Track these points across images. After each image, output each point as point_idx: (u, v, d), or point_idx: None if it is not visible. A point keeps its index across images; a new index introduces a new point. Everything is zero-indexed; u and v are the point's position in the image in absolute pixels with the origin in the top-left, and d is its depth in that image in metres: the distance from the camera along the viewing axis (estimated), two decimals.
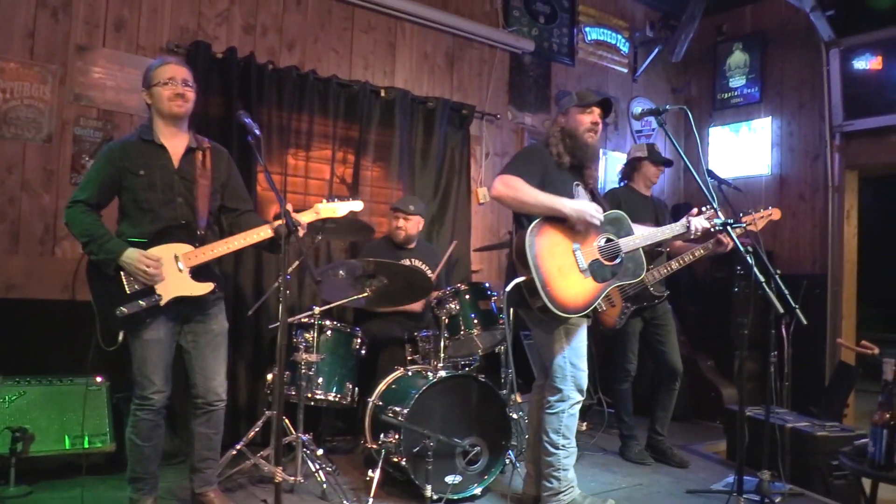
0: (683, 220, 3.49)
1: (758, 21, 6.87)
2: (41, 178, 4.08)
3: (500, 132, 6.01)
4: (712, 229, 3.46)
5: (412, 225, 4.59)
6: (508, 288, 3.13)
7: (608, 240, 3.33)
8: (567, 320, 3.25)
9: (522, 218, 3.28)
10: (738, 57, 6.95)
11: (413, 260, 4.56)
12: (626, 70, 6.82)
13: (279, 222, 3.01)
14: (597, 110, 3.42)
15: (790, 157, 6.58)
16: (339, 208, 3.27)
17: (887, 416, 2.52)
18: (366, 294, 3.88)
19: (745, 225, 3.38)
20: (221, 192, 3.21)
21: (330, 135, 4.96)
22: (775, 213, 4.20)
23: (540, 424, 3.41)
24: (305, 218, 3.15)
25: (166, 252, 2.96)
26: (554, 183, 3.27)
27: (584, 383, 3.36)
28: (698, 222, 3.50)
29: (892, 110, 5.88)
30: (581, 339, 3.34)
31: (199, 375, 3.13)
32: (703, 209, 3.56)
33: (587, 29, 6.60)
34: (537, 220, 3.18)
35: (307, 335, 3.70)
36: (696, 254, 4.22)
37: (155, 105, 3.05)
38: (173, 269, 2.97)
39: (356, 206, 3.34)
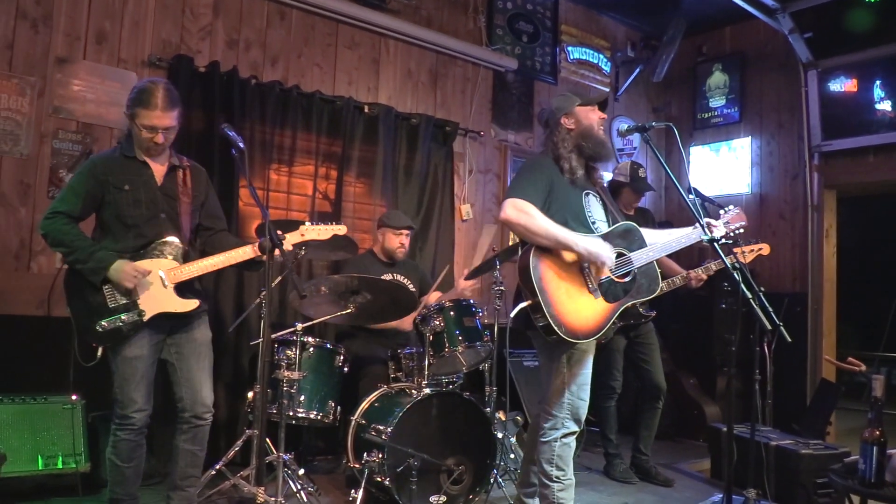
0: (699, 230, 3.15)
1: (737, 42, 6.95)
2: (18, 191, 3.99)
3: (484, 149, 6.00)
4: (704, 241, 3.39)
5: (408, 241, 4.57)
6: (513, 314, 2.95)
7: (619, 255, 3.07)
8: (575, 345, 3.01)
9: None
10: (717, 77, 7.02)
11: (395, 275, 4.51)
12: (607, 89, 6.85)
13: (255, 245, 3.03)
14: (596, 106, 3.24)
15: (770, 176, 6.64)
16: (323, 231, 3.29)
17: (877, 433, 2.50)
18: (349, 310, 3.82)
19: (730, 242, 3.37)
20: (200, 210, 3.20)
21: (313, 150, 4.92)
22: (765, 249, 4.28)
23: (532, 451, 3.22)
24: (291, 239, 3.17)
25: (152, 267, 2.94)
26: (560, 199, 3.06)
27: (583, 413, 3.10)
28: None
29: (868, 131, 5.97)
30: (586, 367, 3.10)
31: (184, 388, 3.06)
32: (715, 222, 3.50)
33: (569, 48, 6.63)
34: None
35: (289, 352, 3.64)
36: (678, 281, 4.36)
37: (134, 131, 3.00)
38: (158, 285, 2.94)
39: (340, 230, 3.37)
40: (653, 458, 4.70)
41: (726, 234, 3.64)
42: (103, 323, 2.83)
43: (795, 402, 5.85)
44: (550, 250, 2.95)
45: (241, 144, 2.97)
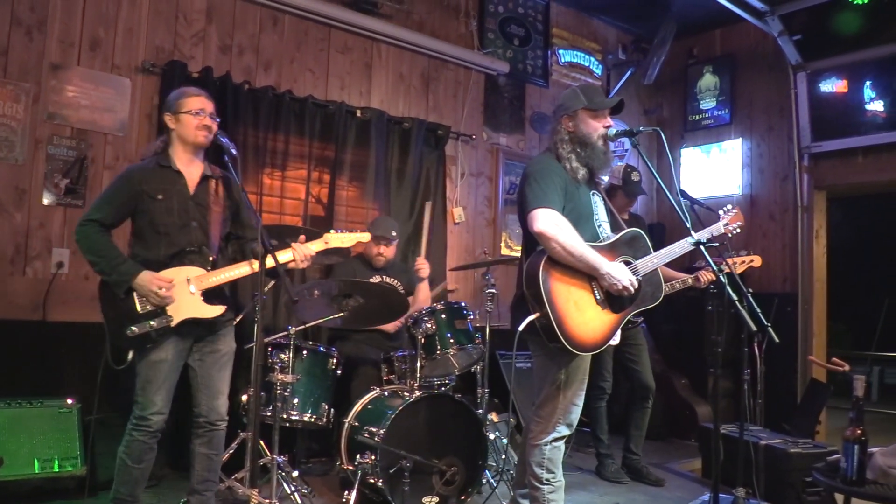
0: (692, 233, 3.10)
1: (727, 45, 7.02)
2: (13, 197, 4.02)
3: (476, 152, 6.05)
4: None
5: (392, 250, 4.60)
6: (521, 327, 2.91)
7: (626, 263, 3.06)
8: (578, 354, 2.97)
9: (532, 242, 3.01)
10: (708, 80, 7.09)
11: (385, 278, 4.56)
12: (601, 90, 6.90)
13: (290, 250, 3.16)
14: (607, 112, 3.13)
15: (760, 177, 6.70)
16: (347, 238, 3.35)
17: (858, 431, 2.56)
18: (342, 314, 3.87)
19: (716, 245, 3.41)
20: (230, 219, 3.28)
21: (306, 154, 4.96)
22: (756, 261, 4.35)
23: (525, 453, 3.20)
24: (314, 247, 3.25)
25: (179, 275, 3.02)
26: (573, 200, 3.03)
27: (576, 418, 3.10)
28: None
29: (857, 132, 6.04)
30: (584, 372, 3.09)
31: (202, 394, 3.14)
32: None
33: (561, 51, 6.69)
34: None
35: (282, 356, 3.67)
36: (676, 286, 4.38)
37: (179, 131, 3.12)
38: (185, 292, 3.02)
39: (364, 237, 3.44)
40: (644, 458, 4.76)
41: (725, 233, 3.71)
42: (133, 328, 2.91)
43: (786, 402, 5.90)
44: (558, 262, 2.91)
45: (234, 151, 3.05)
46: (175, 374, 3.06)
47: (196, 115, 3.10)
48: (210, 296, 3.07)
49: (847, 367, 2.88)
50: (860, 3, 5.86)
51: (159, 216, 3.04)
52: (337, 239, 3.33)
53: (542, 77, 6.53)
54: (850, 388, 2.69)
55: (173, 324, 2.98)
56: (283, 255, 3.15)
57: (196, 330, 3.09)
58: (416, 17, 5.69)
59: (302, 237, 3.24)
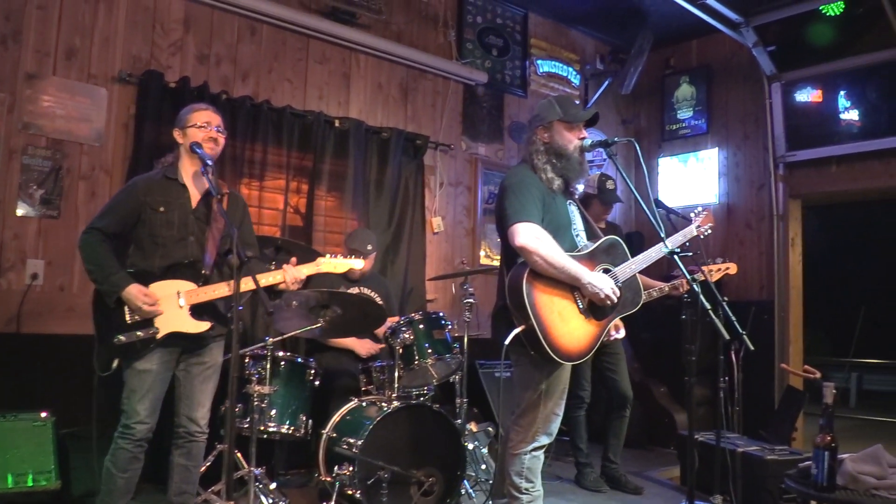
0: (665, 243, 3.13)
1: (703, 55, 7.12)
2: None
3: (454, 162, 6.09)
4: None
5: (367, 262, 4.60)
6: (507, 340, 2.90)
7: (605, 271, 3.09)
8: (561, 364, 2.99)
9: (512, 253, 3.02)
10: (685, 90, 7.18)
11: (362, 288, 4.57)
12: (577, 102, 6.96)
13: (280, 272, 3.19)
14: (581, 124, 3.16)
15: (736, 186, 6.80)
16: (339, 265, 3.39)
17: (828, 438, 2.61)
18: (320, 324, 3.87)
19: (689, 254, 3.46)
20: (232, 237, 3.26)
21: (284, 164, 4.97)
22: (732, 268, 4.41)
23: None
24: (306, 270, 3.29)
25: (169, 288, 3.05)
26: (551, 211, 3.06)
27: (556, 428, 3.11)
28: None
29: (831, 141, 6.15)
30: (565, 382, 3.10)
31: (183, 404, 3.17)
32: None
33: (539, 61, 6.76)
34: None
35: (260, 367, 3.67)
36: (654, 294, 4.43)
37: (186, 145, 3.19)
38: (174, 305, 3.04)
39: (357, 264, 3.47)
40: (624, 467, 4.79)
41: (698, 234, 3.75)
42: (121, 337, 2.94)
43: (764, 409, 5.96)
44: (540, 274, 2.92)
45: (210, 161, 3.06)
46: (161, 385, 3.08)
47: (202, 128, 3.16)
48: (199, 311, 3.09)
49: (818, 375, 2.93)
50: (833, 14, 5.98)
51: (159, 228, 3.08)
52: (329, 265, 3.37)
53: (520, 87, 6.59)
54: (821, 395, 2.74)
55: (159, 336, 3.00)
56: (273, 277, 3.19)
57: (183, 342, 3.10)
58: (394, 27, 5.73)
59: (293, 259, 3.27)
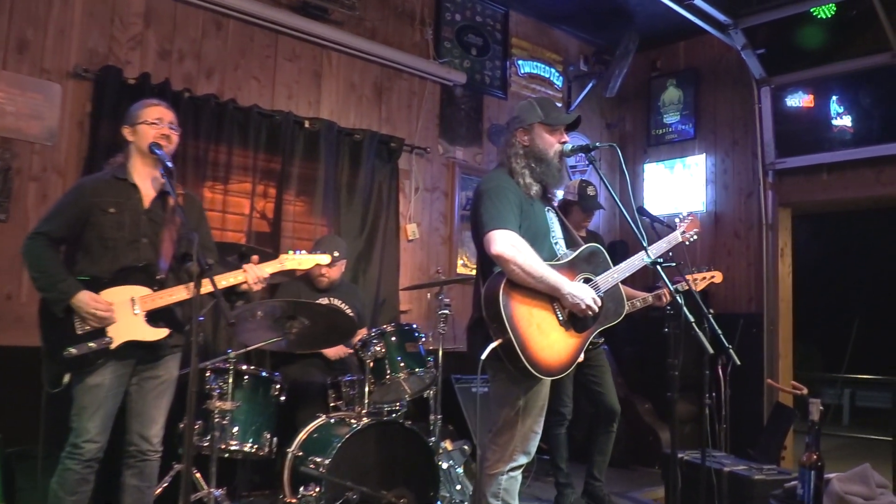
0: (648, 252, 3.18)
1: (691, 58, 7.21)
2: None
3: (431, 166, 6.10)
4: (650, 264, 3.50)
5: (336, 271, 4.59)
6: (483, 355, 2.87)
7: (586, 280, 3.10)
8: (540, 379, 2.99)
9: (488, 262, 3.01)
10: (672, 93, 7.26)
11: (332, 299, 4.56)
12: (559, 104, 7.03)
13: (241, 272, 3.14)
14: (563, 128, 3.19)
15: (724, 194, 6.88)
16: (304, 261, 3.36)
17: (815, 457, 2.64)
18: (286, 337, 3.85)
19: (674, 264, 3.50)
20: (188, 240, 3.22)
21: (250, 167, 4.95)
22: (717, 277, 4.44)
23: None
24: (269, 269, 3.25)
25: (122, 294, 3.00)
26: (529, 218, 3.07)
27: (534, 447, 3.11)
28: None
29: (822, 148, 6.24)
30: (544, 398, 3.10)
31: (135, 421, 3.12)
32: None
33: (520, 62, 6.80)
34: None
35: (221, 381, 3.65)
36: (637, 304, 4.44)
37: (137, 143, 3.14)
38: (128, 312, 3.00)
39: (322, 259, 3.46)
40: (606, 486, 4.80)
41: (683, 241, 3.79)
42: (71, 350, 2.88)
43: (752, 426, 6.02)
44: (518, 285, 2.92)
45: (170, 163, 3.03)
46: (113, 400, 3.03)
47: (154, 125, 3.12)
48: (155, 317, 3.05)
49: (805, 390, 2.97)
50: (823, 17, 6.08)
51: (109, 230, 3.04)
52: (293, 261, 3.33)
53: (500, 88, 6.62)
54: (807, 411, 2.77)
55: (113, 346, 2.95)
56: (234, 278, 3.15)
57: (138, 353, 3.06)
58: (368, 23, 5.73)
59: (255, 257, 3.24)
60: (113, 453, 3.23)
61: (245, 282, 3.17)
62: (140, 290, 3.04)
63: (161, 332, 3.06)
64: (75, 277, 2.99)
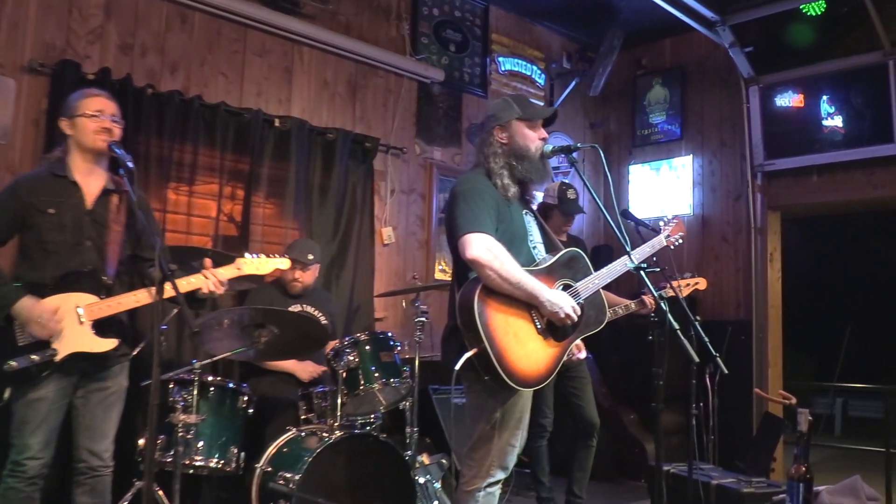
0: (631, 258, 3.17)
1: (677, 56, 7.27)
2: None
3: (407, 167, 6.10)
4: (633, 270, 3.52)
5: (310, 275, 4.58)
6: (458, 365, 2.85)
7: (565, 286, 3.10)
8: (517, 390, 2.97)
9: (464, 268, 3.00)
10: (657, 92, 7.32)
11: (304, 306, 4.54)
12: (541, 103, 7.06)
13: (200, 276, 3.07)
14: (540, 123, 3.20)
15: (712, 197, 6.93)
16: (263, 264, 3.29)
17: (803, 469, 2.67)
18: (254, 345, 3.82)
19: (658, 269, 3.52)
20: (136, 240, 3.20)
21: (217, 167, 4.92)
22: (701, 283, 4.49)
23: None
24: (225, 274, 3.18)
25: (67, 302, 2.93)
26: (506, 221, 3.05)
27: (512, 461, 3.09)
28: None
29: (812, 150, 6.31)
30: (522, 410, 3.08)
31: (83, 436, 3.06)
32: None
33: (500, 59, 6.83)
34: None
35: (186, 393, 3.61)
36: (619, 311, 4.45)
37: (76, 137, 3.07)
38: (73, 322, 2.93)
39: (283, 263, 3.38)
40: (590, 501, 4.81)
41: (667, 245, 3.81)
42: (12, 363, 2.82)
43: (740, 438, 6.05)
44: (494, 291, 2.91)
45: (130, 164, 2.97)
46: (57, 414, 2.98)
47: (93, 118, 3.05)
48: (103, 326, 3.00)
49: (794, 400, 3.00)
50: (813, 14, 6.15)
51: (49, 233, 2.96)
52: (252, 265, 3.27)
53: (479, 86, 6.64)
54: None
55: (58, 358, 2.89)
56: (189, 281, 3.08)
57: (83, 365, 3.01)
58: (342, 18, 5.72)
59: (208, 260, 3.16)
60: (62, 471, 3.20)
61: (200, 287, 3.11)
62: (86, 298, 2.97)
63: (109, 343, 3.01)
64: (14, 284, 2.92)
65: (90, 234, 3.04)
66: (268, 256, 3.34)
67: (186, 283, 3.07)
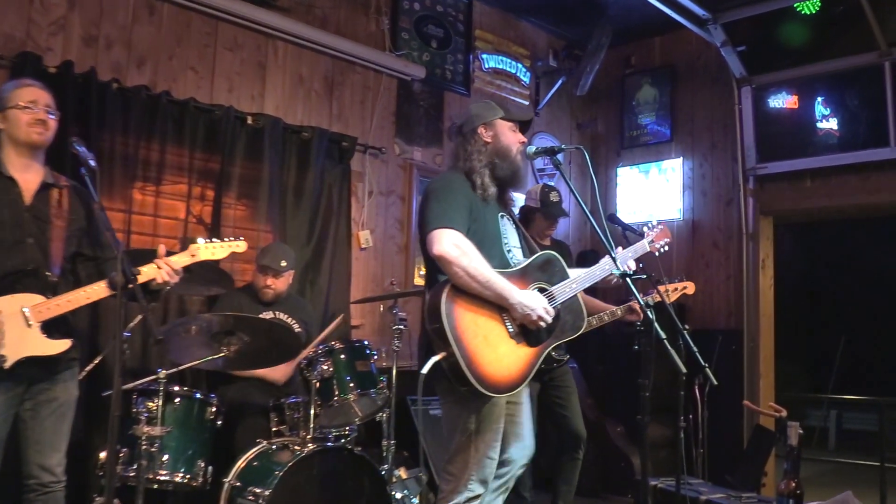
0: (616, 264, 3.23)
1: (667, 54, 7.31)
2: None
3: (386, 168, 6.10)
4: (614, 281, 3.57)
5: (283, 282, 4.56)
6: (425, 370, 2.87)
7: (541, 289, 3.13)
8: (490, 399, 2.98)
9: (436, 270, 3.05)
10: (647, 92, 7.36)
11: (277, 313, 4.53)
12: (527, 102, 7.08)
13: (152, 266, 3.03)
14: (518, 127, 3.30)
15: (703, 201, 6.98)
16: (218, 249, 3.27)
17: (793, 484, 2.69)
18: (223, 354, 3.81)
19: (643, 276, 3.54)
20: (79, 237, 3.17)
21: (186, 166, 4.90)
22: (689, 288, 4.51)
23: None
24: (179, 262, 3.14)
25: (12, 304, 2.89)
26: (479, 220, 3.10)
27: (491, 474, 3.10)
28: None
29: (806, 153, 6.36)
30: (498, 420, 3.08)
31: (32, 450, 3.02)
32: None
33: (484, 56, 6.84)
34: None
35: (150, 404, 3.58)
36: (605, 318, 4.46)
37: (8, 130, 3.04)
38: (20, 325, 2.88)
39: (239, 246, 3.36)
40: None
41: (652, 251, 3.84)
42: None
43: (731, 451, 6.09)
44: (463, 293, 2.92)
45: (93, 162, 2.97)
46: (4, 426, 2.94)
47: (24, 109, 3.02)
48: (51, 328, 2.96)
49: (784, 413, 3.02)
50: (808, 13, 6.20)
51: None
52: (206, 250, 3.24)
53: (462, 84, 6.65)
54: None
55: (7, 365, 2.85)
56: (145, 271, 3.03)
57: (32, 371, 2.96)
58: (318, 11, 5.72)
59: (162, 248, 3.11)
60: (13, 487, 3.15)
61: (154, 278, 3.05)
62: (32, 298, 2.93)
63: (62, 345, 2.98)
64: None
65: (31, 230, 3.01)
66: (221, 241, 3.31)
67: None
